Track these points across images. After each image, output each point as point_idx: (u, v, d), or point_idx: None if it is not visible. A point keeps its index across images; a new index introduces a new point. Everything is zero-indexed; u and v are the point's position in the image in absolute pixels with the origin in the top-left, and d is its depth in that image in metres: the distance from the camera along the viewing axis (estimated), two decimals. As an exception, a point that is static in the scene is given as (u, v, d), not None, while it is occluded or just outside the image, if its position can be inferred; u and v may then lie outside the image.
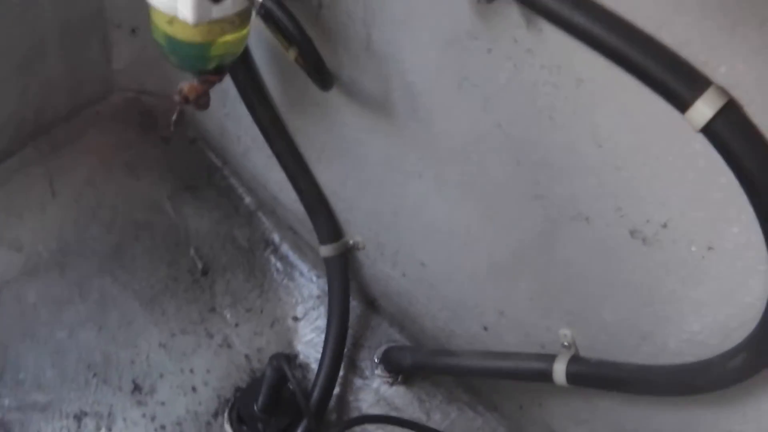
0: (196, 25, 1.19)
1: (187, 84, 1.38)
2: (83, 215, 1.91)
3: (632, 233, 1.12)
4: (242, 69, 1.53)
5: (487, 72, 1.15)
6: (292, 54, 1.29)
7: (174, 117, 1.43)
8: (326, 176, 1.68)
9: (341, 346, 1.75)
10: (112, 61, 1.98)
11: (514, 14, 1.05)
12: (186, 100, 1.38)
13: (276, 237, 1.96)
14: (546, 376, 1.34)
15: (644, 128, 1.01)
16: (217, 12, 1.19)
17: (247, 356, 1.80)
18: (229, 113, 1.83)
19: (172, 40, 1.26)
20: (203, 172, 2.04)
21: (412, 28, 1.22)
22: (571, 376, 1.30)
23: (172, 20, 1.22)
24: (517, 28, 1.06)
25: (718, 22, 0.87)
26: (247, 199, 2.01)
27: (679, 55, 0.90)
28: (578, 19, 0.93)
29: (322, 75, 1.31)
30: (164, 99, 1.97)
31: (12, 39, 1.69)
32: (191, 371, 1.76)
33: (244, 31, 1.29)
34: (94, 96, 2.03)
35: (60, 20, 1.77)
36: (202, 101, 1.40)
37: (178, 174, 2.02)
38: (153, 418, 1.69)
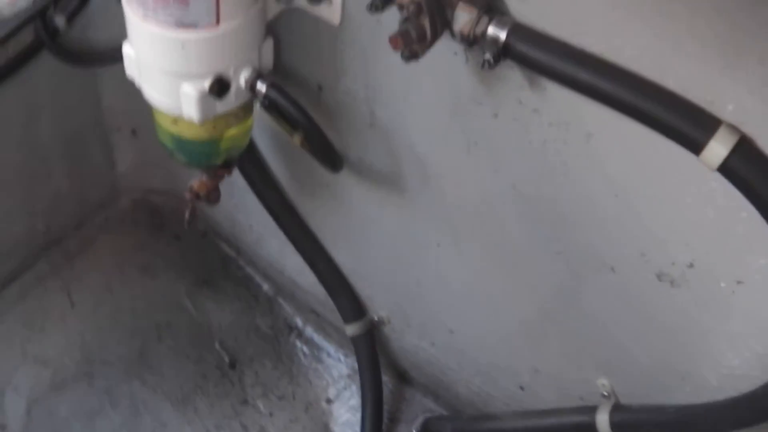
0: (202, 122, 1.20)
1: (197, 181, 1.39)
2: (104, 322, 1.91)
3: (659, 276, 1.11)
4: (248, 158, 1.54)
5: (496, 135, 1.16)
6: (297, 139, 1.30)
7: (187, 215, 1.44)
8: (343, 255, 1.68)
9: (378, 424, 1.74)
10: (116, 164, 1.99)
11: (517, 76, 1.06)
12: (197, 196, 1.39)
13: (299, 321, 1.96)
14: (590, 429, 1.32)
15: (659, 173, 1.02)
16: (221, 107, 1.20)
17: (285, 444, 1.80)
18: (238, 203, 1.83)
19: (178, 140, 1.27)
20: (218, 264, 2.04)
21: (414, 102, 1.23)
22: (615, 426, 1.29)
23: (177, 120, 1.24)
24: (521, 90, 1.07)
25: (720, 62, 0.88)
26: (266, 287, 2.00)
27: (686, 98, 0.91)
28: (583, 75, 0.93)
29: (331, 158, 1.31)
30: (171, 197, 1.98)
31: (16, 159, 1.71)
32: (231, 466, 1.76)
33: (249, 122, 1.31)
34: (102, 202, 2.04)
35: (61, 134, 1.79)
36: (212, 196, 1.41)
37: (194, 269, 2.02)
38: None
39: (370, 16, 1.10)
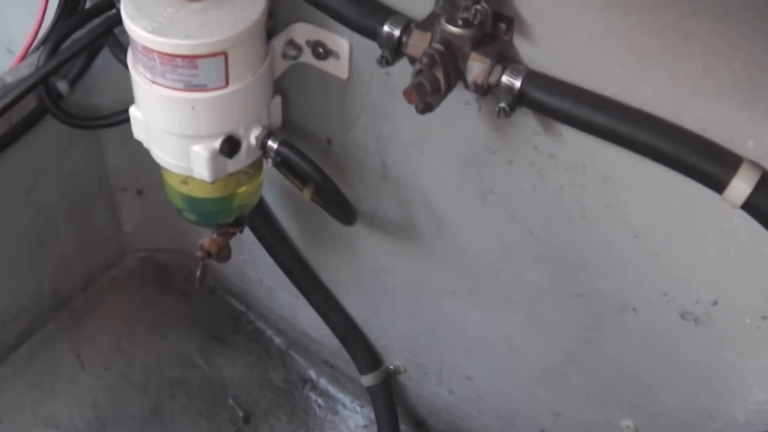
0: (214, 182, 1.19)
1: (208, 239, 1.38)
2: (115, 382, 1.89)
3: (682, 316, 1.11)
4: (257, 213, 1.53)
5: (511, 182, 1.15)
6: (307, 194, 1.30)
7: (198, 273, 1.43)
8: (357, 306, 1.67)
9: (398, 473, 1.72)
10: (122, 224, 1.98)
11: (531, 122, 1.05)
12: (208, 254, 1.39)
13: (312, 373, 1.94)
14: (616, 471, 1.31)
15: (679, 212, 1.01)
16: (232, 166, 1.19)
17: (305, 498, 1.78)
18: (247, 258, 1.82)
19: (189, 199, 1.27)
20: (228, 319, 2.02)
21: (426, 151, 1.23)
22: (642, 467, 1.28)
23: (187, 179, 1.23)
24: (536, 135, 1.07)
25: (738, 99, 0.88)
26: (277, 340, 1.99)
27: (706, 137, 0.91)
28: (601, 119, 0.93)
29: (345, 211, 1.31)
30: (178, 254, 1.98)
31: (20, 224, 1.70)
32: None
33: (259, 179, 1.30)
34: (109, 261, 2.03)
35: (66, 196, 1.78)
36: (223, 254, 1.41)
37: (204, 325, 2.01)
38: None
39: (378, 69, 1.10)
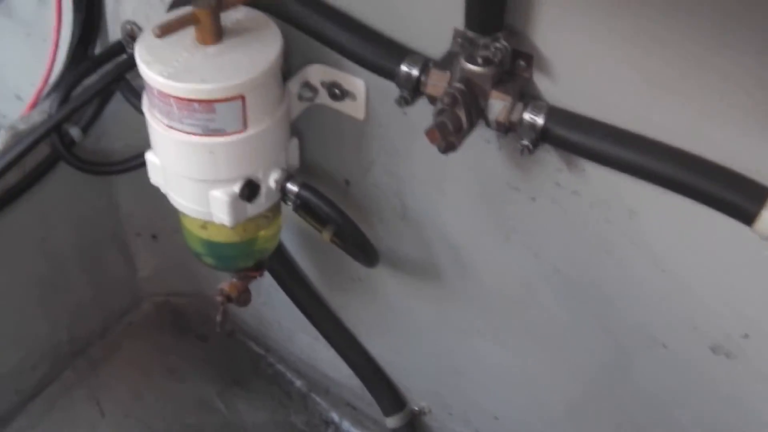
0: (234, 226, 1.18)
1: (227, 283, 1.37)
2: (135, 429, 1.88)
3: (713, 350, 1.09)
4: (274, 255, 1.51)
5: (534, 219, 1.14)
6: (326, 236, 1.28)
7: (218, 318, 1.42)
8: (379, 348, 1.65)
9: None
10: (137, 269, 1.97)
11: (554, 159, 1.04)
12: (228, 299, 1.37)
13: (335, 416, 1.92)
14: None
15: (707, 245, 0.99)
16: (251, 210, 1.18)
17: None
18: (265, 301, 1.81)
19: (208, 244, 1.26)
20: (248, 363, 2.01)
21: (447, 191, 1.22)
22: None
23: (206, 224, 1.22)
24: (559, 172, 1.05)
25: (762, 130, 0.86)
26: (298, 383, 1.97)
27: (732, 169, 0.89)
28: (626, 154, 0.92)
29: (367, 253, 1.29)
30: (194, 297, 1.97)
31: (34, 272, 1.69)
32: None
33: (279, 222, 1.29)
34: (125, 307, 2.02)
35: (80, 243, 1.77)
36: (243, 298, 1.40)
37: (223, 369, 1.99)
38: None
39: (395, 109, 1.09)
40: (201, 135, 1.07)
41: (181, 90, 1.03)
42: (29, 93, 1.65)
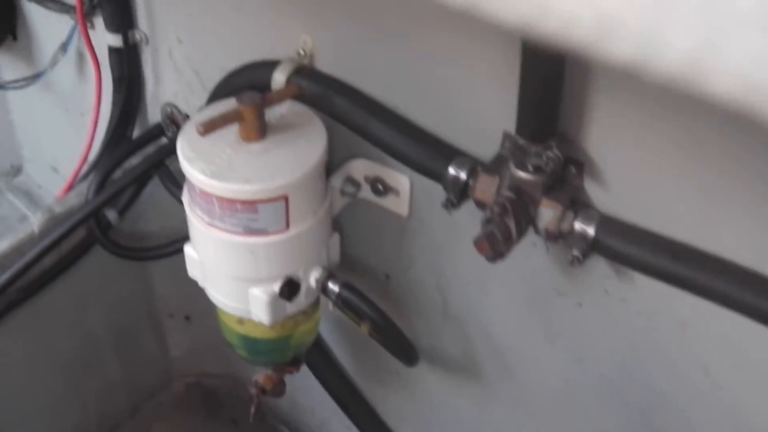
0: (272, 325, 1.16)
1: (263, 375, 1.35)
2: None
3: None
4: (312, 346, 1.50)
5: (580, 325, 1.11)
6: (364, 329, 1.26)
7: (252, 410, 1.40)
8: (415, 441, 1.62)
9: None
10: (169, 349, 1.95)
11: (602, 266, 1.01)
12: (263, 391, 1.35)
13: (366, 505, 1.88)
14: None
15: (761, 362, 0.96)
16: (291, 308, 1.16)
17: None
18: (299, 386, 1.77)
19: (245, 339, 1.24)
20: (278, 448, 1.98)
21: (491, 291, 1.19)
22: None
23: (243, 319, 1.20)
24: (607, 279, 1.03)
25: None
26: (330, 470, 1.94)
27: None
28: (680, 269, 0.89)
29: (407, 352, 1.26)
30: (226, 379, 1.94)
31: (66, 351, 1.67)
32: None
33: (317, 317, 1.27)
34: (155, 387, 1.99)
35: (112, 323, 1.75)
36: (278, 390, 1.37)
37: (253, 454, 1.96)
38: None
39: (440, 207, 1.07)
40: (242, 234, 1.06)
41: (223, 190, 1.01)
42: (65, 165, 1.65)
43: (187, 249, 1.18)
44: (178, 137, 1.08)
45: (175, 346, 1.95)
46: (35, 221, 1.47)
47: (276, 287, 1.11)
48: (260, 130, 1.05)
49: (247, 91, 1.05)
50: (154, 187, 1.52)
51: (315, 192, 1.08)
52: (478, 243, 0.91)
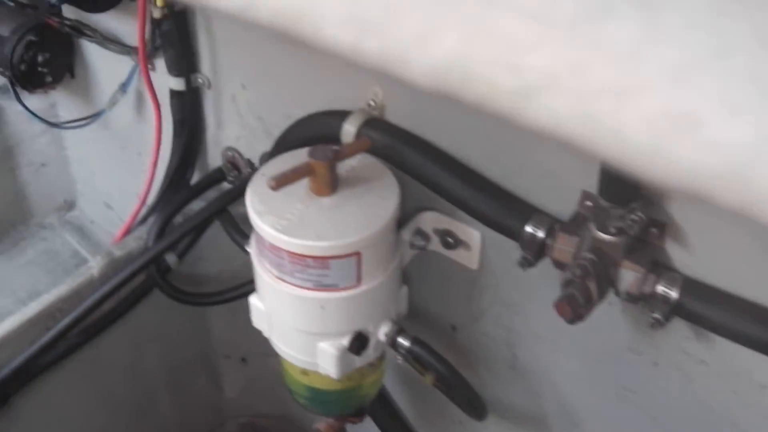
0: (340, 378, 1.14)
1: (324, 423, 1.33)
2: None
3: None
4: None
5: (655, 384, 1.09)
6: (429, 379, 1.24)
7: (311, 458, 1.38)
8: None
9: None
10: (224, 390, 1.94)
11: (682, 327, 0.99)
12: (322, 440, 1.34)
13: None
14: None
15: None
16: (359, 361, 1.14)
17: None
18: (357, 429, 1.76)
19: (309, 389, 1.22)
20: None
21: (563, 347, 1.17)
22: None
23: (307, 371, 1.18)
24: (687, 341, 1.00)
25: None
26: None
27: None
28: (763, 335, 0.87)
29: (475, 407, 1.24)
30: (280, 420, 1.92)
31: (122, 392, 1.67)
32: None
33: (383, 368, 1.25)
34: (208, 427, 1.98)
35: (168, 365, 1.75)
36: (340, 439, 1.36)
37: (308, 496, 1.94)
38: None
39: (512, 261, 1.05)
40: (313, 289, 1.04)
41: (294, 246, 1.00)
42: (119, 202, 1.65)
43: (253, 300, 1.17)
44: (247, 190, 1.07)
45: (230, 387, 1.93)
46: (95, 265, 1.47)
47: (345, 341, 1.10)
48: (332, 184, 1.04)
49: (319, 144, 1.04)
50: (215, 231, 1.51)
51: (387, 247, 1.07)
52: (558, 305, 0.90)
